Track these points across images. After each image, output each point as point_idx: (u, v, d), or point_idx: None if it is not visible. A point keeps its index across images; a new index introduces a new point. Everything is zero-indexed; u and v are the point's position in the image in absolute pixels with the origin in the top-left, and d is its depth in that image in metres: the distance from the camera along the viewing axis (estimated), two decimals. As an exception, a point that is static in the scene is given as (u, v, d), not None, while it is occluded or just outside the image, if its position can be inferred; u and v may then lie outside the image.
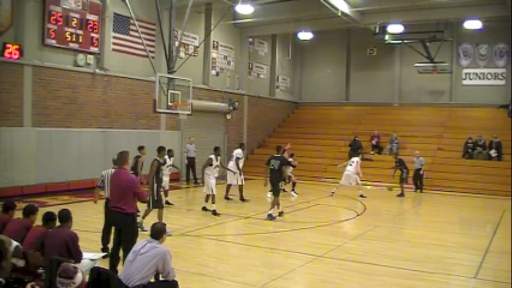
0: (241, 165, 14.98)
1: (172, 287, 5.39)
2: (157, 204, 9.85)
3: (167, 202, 13.43)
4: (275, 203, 12.28)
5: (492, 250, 9.57)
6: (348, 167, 16.58)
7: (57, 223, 6.02)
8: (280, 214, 12.53)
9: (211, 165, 12.75)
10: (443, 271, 7.98)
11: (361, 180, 16.65)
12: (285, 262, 8.37)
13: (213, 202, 12.41)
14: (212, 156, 12.92)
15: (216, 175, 12.99)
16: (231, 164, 15.14)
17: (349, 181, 16.53)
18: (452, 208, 15.84)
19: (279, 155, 12.61)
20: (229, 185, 15.15)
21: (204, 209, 12.73)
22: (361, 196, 16.22)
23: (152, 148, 18.41)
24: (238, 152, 15.21)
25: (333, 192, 16.43)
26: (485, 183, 18.78)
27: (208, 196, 12.68)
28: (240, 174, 14.87)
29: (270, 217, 12.07)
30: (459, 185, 18.96)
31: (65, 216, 5.98)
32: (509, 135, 20.36)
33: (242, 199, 14.90)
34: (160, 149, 10.69)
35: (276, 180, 12.28)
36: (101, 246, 8.12)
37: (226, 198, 15.05)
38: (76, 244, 5.79)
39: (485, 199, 17.51)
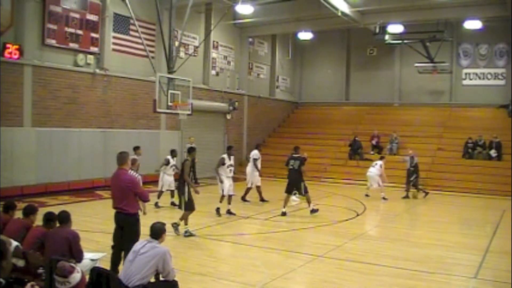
0: (259, 165, 14.77)
1: (172, 287, 5.39)
2: (190, 205, 9.86)
3: (173, 203, 13.43)
4: (309, 199, 12.73)
5: (492, 250, 9.56)
6: (371, 168, 16.49)
7: (57, 225, 6.03)
8: (284, 214, 12.58)
9: (223, 164, 12.47)
10: (443, 271, 7.97)
11: (361, 181, 16.58)
12: (285, 262, 8.36)
13: (220, 201, 12.34)
14: (225, 156, 12.65)
15: (230, 175, 12.71)
16: (249, 166, 14.83)
17: (370, 182, 16.47)
18: (452, 208, 15.84)
19: (297, 155, 12.81)
20: (258, 187, 14.81)
21: (229, 212, 12.50)
22: (384, 198, 16.01)
23: (152, 148, 18.55)
24: (255, 153, 14.91)
25: (367, 195, 16.46)
26: (485, 183, 18.76)
27: (230, 196, 12.52)
28: (260, 175, 14.71)
29: (314, 212, 12.60)
30: (459, 185, 18.95)
31: (65, 218, 5.98)
32: (509, 135, 20.36)
33: (244, 199, 14.73)
34: (191, 150, 10.62)
35: (297, 179, 12.49)
36: (99, 246, 8.09)
37: (262, 200, 14.84)
38: (77, 243, 5.80)
39: (485, 199, 17.50)
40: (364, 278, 7.51)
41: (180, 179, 10.17)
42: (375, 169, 16.37)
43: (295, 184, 12.56)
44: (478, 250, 9.41)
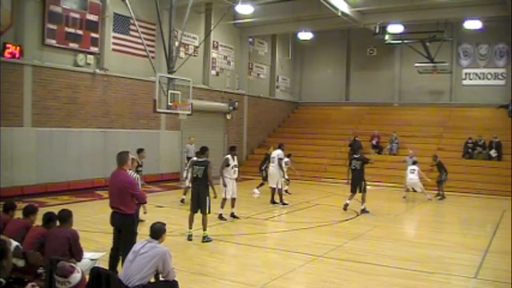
0: (284, 165, 14.67)
1: (172, 287, 5.39)
2: (210, 209, 9.71)
3: (183, 200, 13.93)
4: (364, 199, 13.48)
5: (492, 250, 9.57)
6: (411, 175, 16.42)
7: (58, 224, 6.03)
8: (363, 211, 13.36)
9: (228, 165, 11.99)
10: (443, 271, 7.97)
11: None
12: (285, 262, 8.36)
13: (222, 206, 11.93)
14: (229, 156, 12.18)
15: (235, 176, 12.29)
16: (274, 167, 14.56)
17: (412, 187, 16.64)
18: (452, 208, 15.84)
19: (358, 155, 13.63)
20: (273, 189, 14.55)
21: (233, 215, 12.15)
22: (430, 199, 16.18)
23: (152, 148, 18.53)
24: (279, 153, 14.59)
25: (404, 197, 16.66)
26: (485, 183, 18.78)
27: (234, 200, 12.17)
28: (284, 176, 14.64)
29: (364, 212, 13.32)
30: (459, 185, 18.93)
31: (66, 216, 5.98)
32: (509, 135, 20.35)
33: (282, 202, 14.42)
34: (205, 149, 10.20)
35: (359, 178, 13.34)
36: (99, 245, 8.10)
37: (272, 202, 14.57)
38: (77, 242, 5.80)
39: (485, 199, 17.50)
40: (364, 278, 7.51)
41: (203, 181, 9.67)
42: (415, 175, 16.32)
43: (357, 183, 13.35)
44: (478, 250, 9.41)
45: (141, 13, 18.04)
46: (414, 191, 17.11)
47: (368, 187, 17.31)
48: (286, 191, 16.29)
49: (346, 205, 13.54)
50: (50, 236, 5.81)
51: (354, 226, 11.92)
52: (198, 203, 9.64)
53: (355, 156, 13.70)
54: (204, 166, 9.71)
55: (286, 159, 16.37)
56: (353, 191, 13.52)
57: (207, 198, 9.58)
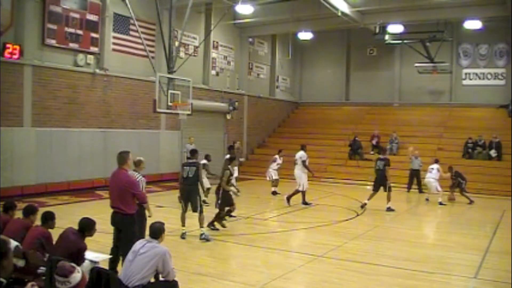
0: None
1: (172, 287, 5.39)
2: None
3: (205, 202, 13.67)
4: (389, 197, 13.93)
5: (492, 250, 9.56)
6: (427, 174, 16.25)
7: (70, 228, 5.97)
8: (363, 205, 13.96)
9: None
10: (443, 271, 7.97)
11: (361, 181, 16.57)
12: (285, 262, 8.37)
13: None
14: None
15: (236, 174, 12.64)
16: (298, 169, 14.39)
17: (430, 189, 16.34)
18: (452, 208, 15.82)
19: (383, 157, 14.27)
20: (297, 190, 14.47)
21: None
22: (441, 203, 15.63)
23: (152, 148, 18.54)
24: (303, 154, 14.44)
25: (427, 199, 16.41)
26: (485, 183, 18.75)
27: None
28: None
29: (389, 210, 13.79)
30: (459, 185, 18.93)
31: (91, 226, 5.89)
32: (509, 135, 20.35)
33: (288, 200, 14.38)
34: (194, 152, 10.30)
35: (382, 178, 13.86)
36: (99, 245, 8.04)
37: (304, 203, 14.46)
38: (81, 255, 5.69)
39: (485, 199, 17.48)
40: (364, 278, 7.51)
41: (193, 181, 9.74)
42: (432, 175, 16.02)
43: (381, 182, 13.90)
44: (478, 250, 9.41)
45: (141, 13, 18.04)
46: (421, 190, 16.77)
47: (368, 187, 17.40)
48: (274, 192, 16.32)
49: (365, 204, 14.04)
50: (59, 237, 5.75)
51: (354, 226, 11.92)
52: (189, 202, 9.73)
53: (380, 157, 14.30)
54: (195, 167, 9.83)
55: (279, 160, 16.33)
56: (376, 190, 14.02)
57: (198, 197, 9.69)
